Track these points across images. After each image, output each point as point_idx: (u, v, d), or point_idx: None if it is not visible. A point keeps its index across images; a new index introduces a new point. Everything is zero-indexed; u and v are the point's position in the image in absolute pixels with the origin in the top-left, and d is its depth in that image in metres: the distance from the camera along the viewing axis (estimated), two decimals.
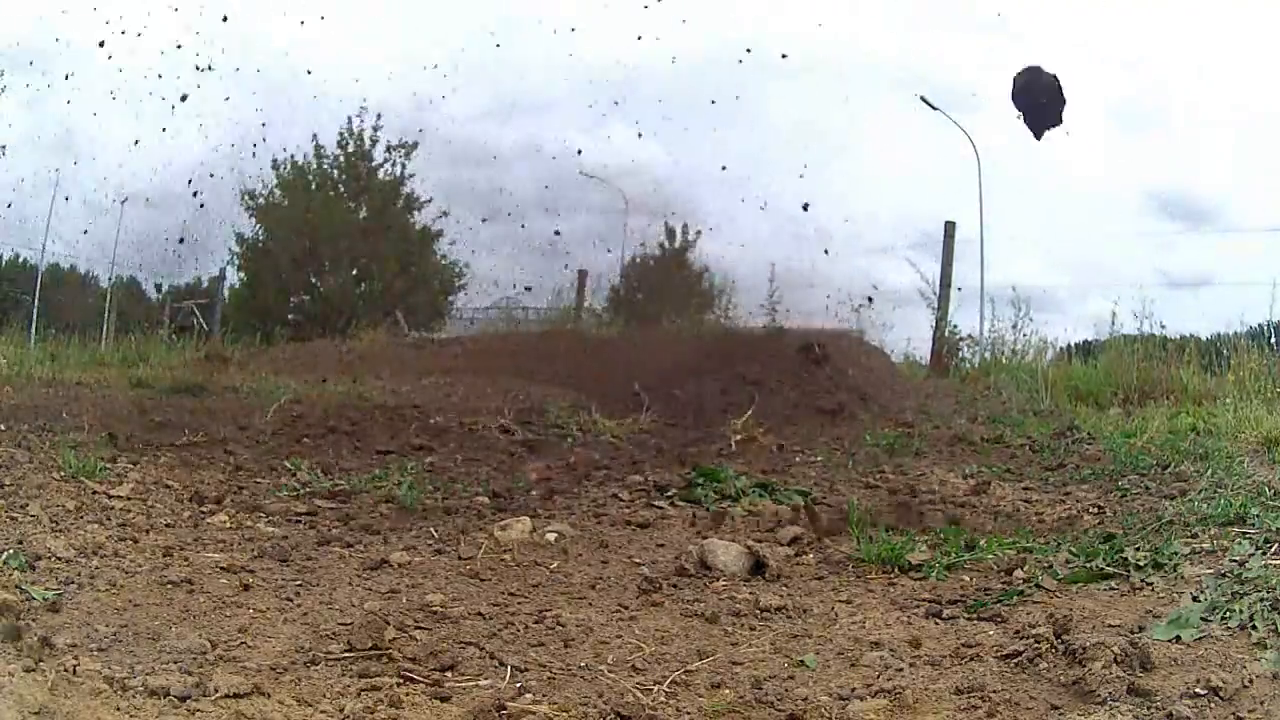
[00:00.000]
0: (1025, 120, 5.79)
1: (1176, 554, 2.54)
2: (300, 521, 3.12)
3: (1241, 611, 2.02)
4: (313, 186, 19.98)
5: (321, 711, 1.73)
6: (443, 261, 21.35)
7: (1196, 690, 1.69)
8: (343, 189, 20.35)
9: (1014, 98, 6.05)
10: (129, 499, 3.04)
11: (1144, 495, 3.59)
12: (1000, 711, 1.75)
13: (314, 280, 20.23)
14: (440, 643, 2.11)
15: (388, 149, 20.70)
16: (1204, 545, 2.61)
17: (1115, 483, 3.95)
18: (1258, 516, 2.72)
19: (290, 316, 20.05)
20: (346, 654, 1.99)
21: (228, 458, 3.92)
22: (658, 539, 3.12)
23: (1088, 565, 2.59)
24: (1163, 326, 10.16)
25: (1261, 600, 2.04)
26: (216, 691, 1.70)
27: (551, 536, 3.03)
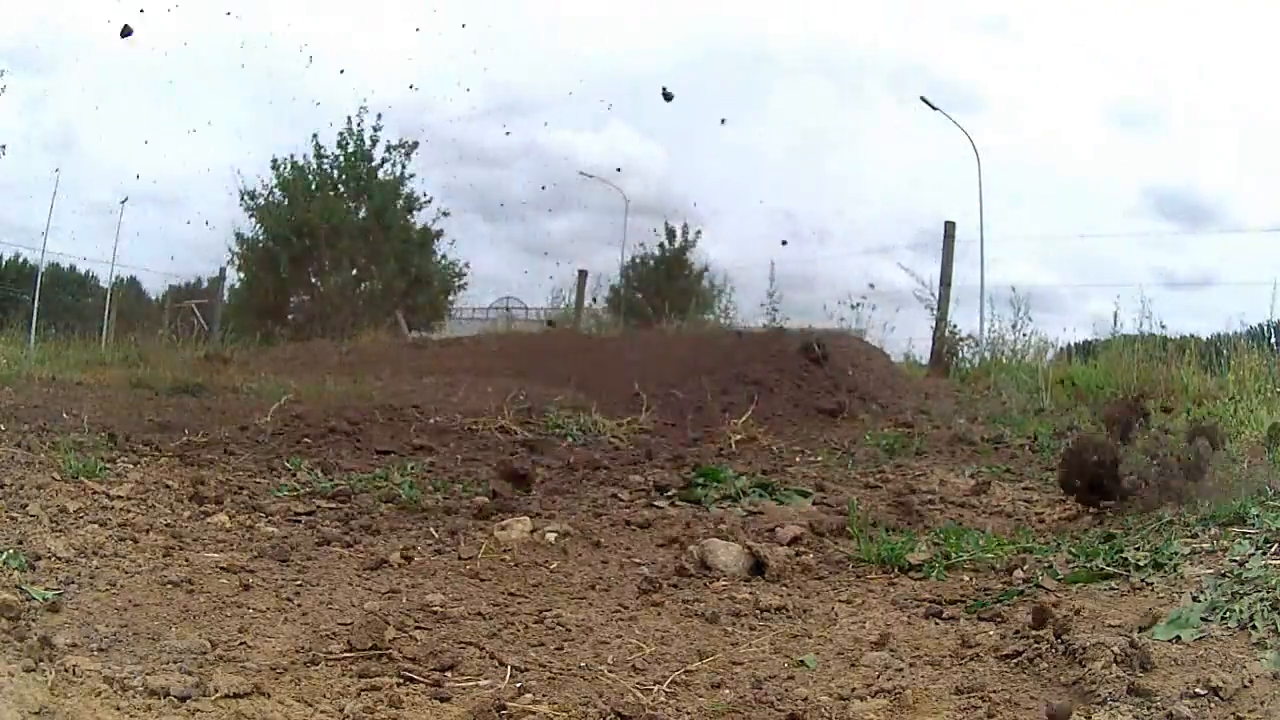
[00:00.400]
0: None
1: (1176, 554, 2.54)
2: (300, 521, 3.12)
3: (1241, 611, 2.02)
4: (313, 187, 19.98)
5: (321, 711, 1.73)
6: (443, 261, 21.37)
7: (1196, 690, 1.69)
8: (343, 189, 20.35)
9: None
10: (129, 499, 3.04)
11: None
12: (1000, 712, 1.75)
13: (314, 280, 20.23)
14: (440, 643, 2.11)
15: (388, 149, 20.71)
16: (1204, 545, 2.60)
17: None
18: (1258, 516, 2.71)
19: (290, 316, 20.06)
20: (346, 654, 1.99)
21: (228, 458, 3.92)
22: (658, 539, 3.12)
23: (1088, 565, 2.59)
24: (1163, 326, 10.17)
25: (1261, 600, 2.04)
26: (216, 691, 1.69)
27: (551, 536, 3.03)
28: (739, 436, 5.20)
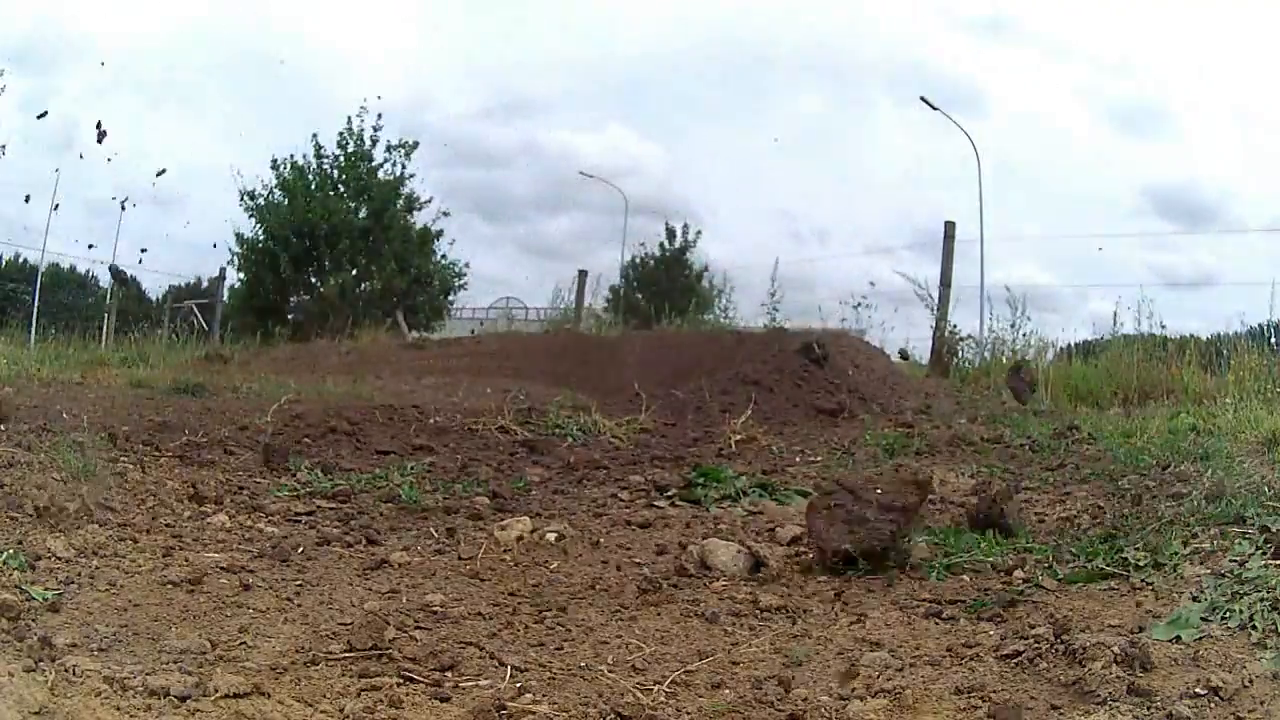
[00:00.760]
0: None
1: (1176, 554, 2.54)
2: (300, 521, 3.12)
3: (1241, 611, 2.02)
4: (312, 187, 19.98)
5: (321, 711, 1.73)
6: (443, 261, 21.37)
7: (1196, 690, 1.69)
8: (342, 189, 20.35)
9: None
10: (129, 499, 3.04)
11: (1144, 495, 3.58)
12: (1000, 711, 1.75)
13: (314, 280, 20.23)
14: (440, 643, 2.11)
15: (388, 149, 20.72)
16: (1204, 545, 2.60)
17: (1115, 483, 3.94)
18: (1258, 516, 2.71)
19: (290, 316, 20.06)
20: (346, 654, 1.99)
21: (228, 458, 3.92)
22: (658, 539, 3.12)
23: (1088, 565, 2.59)
24: (1163, 326, 10.18)
25: (1261, 600, 2.04)
26: (216, 691, 1.69)
27: (551, 536, 3.03)
28: (739, 436, 5.19)
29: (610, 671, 2.03)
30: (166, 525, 2.84)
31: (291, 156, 20.28)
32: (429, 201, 21.24)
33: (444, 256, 21.49)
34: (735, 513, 3.49)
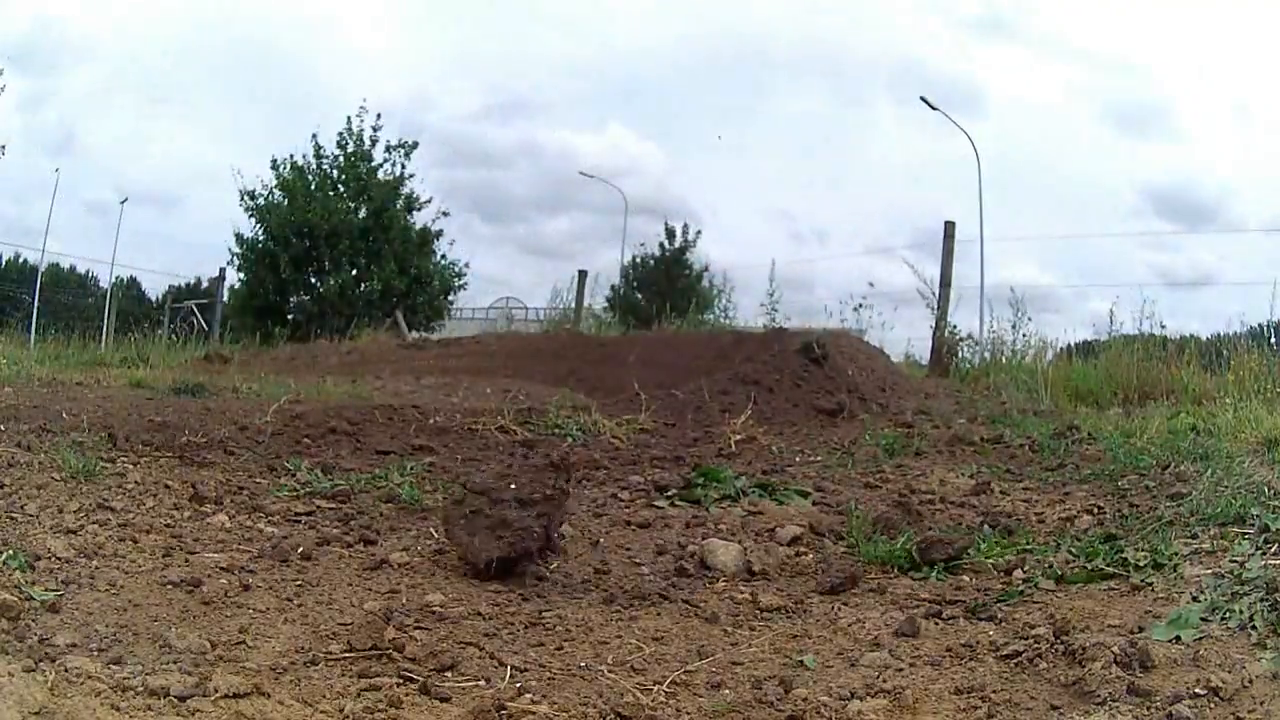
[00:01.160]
0: None
1: (1176, 554, 2.54)
2: (300, 521, 3.12)
3: (1241, 611, 2.02)
4: (312, 187, 19.98)
5: (321, 711, 1.73)
6: (443, 261, 21.38)
7: (1196, 690, 1.69)
8: (342, 189, 20.35)
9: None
10: (129, 499, 3.03)
11: (1144, 495, 3.58)
12: (1000, 712, 1.76)
13: (314, 280, 20.24)
14: (440, 643, 2.11)
15: (388, 149, 20.73)
16: (1204, 545, 2.61)
17: (1115, 483, 3.95)
18: (1258, 516, 2.71)
19: (290, 316, 20.06)
20: (346, 654, 1.99)
21: (228, 458, 3.92)
22: (657, 539, 3.12)
23: (1088, 565, 2.59)
24: (1163, 326, 10.19)
25: (1261, 600, 2.04)
26: (216, 691, 1.69)
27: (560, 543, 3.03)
28: (739, 436, 5.19)
29: (610, 671, 2.03)
30: (166, 525, 2.84)
31: (291, 156, 20.30)
32: (429, 201, 21.25)
33: (444, 256, 21.51)
34: (735, 513, 3.49)
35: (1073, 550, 2.77)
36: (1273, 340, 8.84)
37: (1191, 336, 10.09)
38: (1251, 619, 1.98)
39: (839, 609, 2.46)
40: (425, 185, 21.89)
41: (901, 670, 2.00)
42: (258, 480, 3.61)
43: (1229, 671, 1.75)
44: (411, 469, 3.97)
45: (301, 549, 2.75)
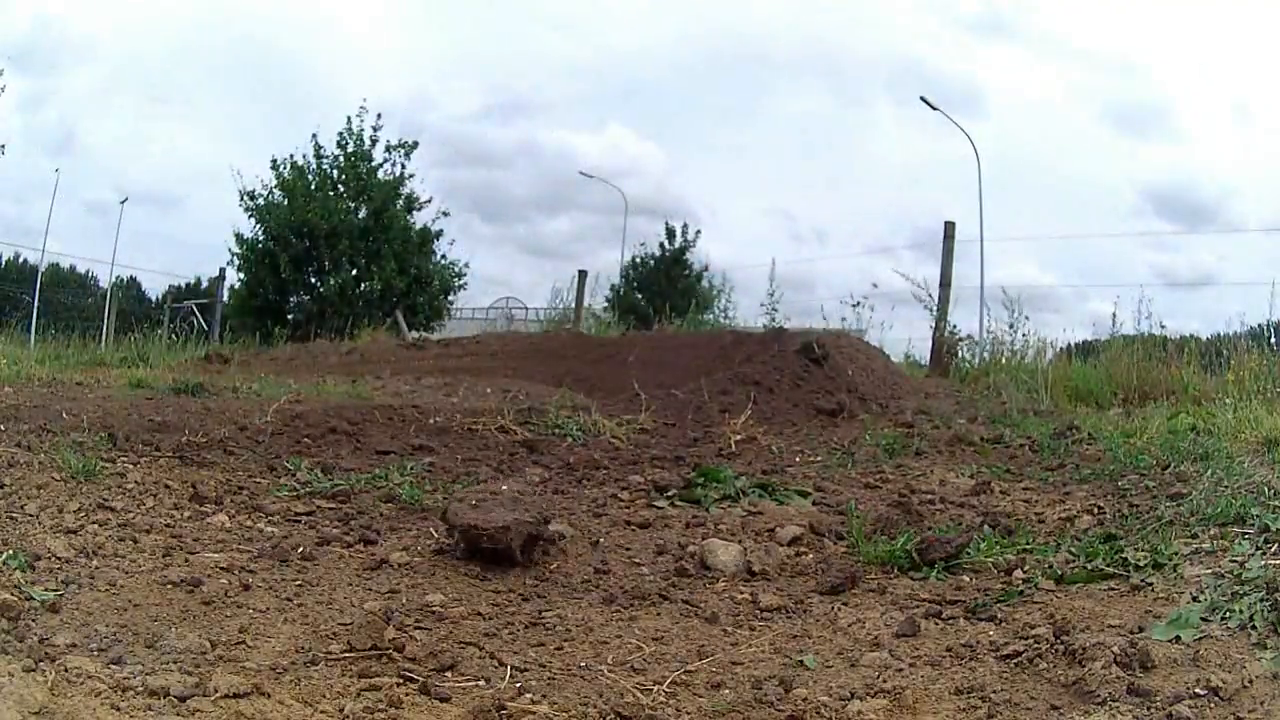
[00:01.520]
0: None
1: (1176, 554, 2.54)
2: (300, 521, 3.12)
3: (1241, 611, 2.02)
4: (312, 187, 19.98)
5: (321, 711, 1.73)
6: (443, 261, 21.38)
7: (1196, 690, 1.69)
8: (342, 189, 20.35)
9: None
10: (129, 499, 3.04)
11: (1144, 495, 3.59)
12: (1000, 712, 1.75)
13: (314, 280, 20.24)
14: (440, 643, 2.11)
15: (387, 149, 20.72)
16: (1204, 545, 2.61)
17: (1115, 483, 3.95)
18: (1258, 516, 2.72)
19: (290, 316, 20.06)
20: (346, 654, 1.99)
21: (228, 458, 3.92)
22: (657, 539, 3.12)
23: (1088, 565, 2.59)
24: (1162, 326, 10.20)
25: (1261, 600, 2.04)
26: (216, 691, 1.69)
27: (556, 541, 3.03)
28: (739, 436, 5.19)
29: (610, 671, 2.03)
30: (166, 525, 2.84)
31: (291, 156, 20.29)
32: (429, 201, 21.26)
33: (444, 256, 21.51)
34: (735, 513, 3.49)
35: (1073, 550, 2.77)
36: (1273, 340, 8.84)
37: (1191, 336, 10.11)
38: (1251, 619, 1.98)
39: (839, 609, 2.46)
40: (425, 185, 21.89)
41: (901, 670, 2.00)
42: (258, 480, 3.61)
43: (1229, 671, 1.75)
44: (411, 469, 3.97)
45: (301, 549, 2.75)
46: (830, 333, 9.88)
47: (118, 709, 1.61)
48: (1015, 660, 1.97)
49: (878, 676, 1.96)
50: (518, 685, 1.92)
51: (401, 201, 20.68)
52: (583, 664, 2.06)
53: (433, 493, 3.58)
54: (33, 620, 1.94)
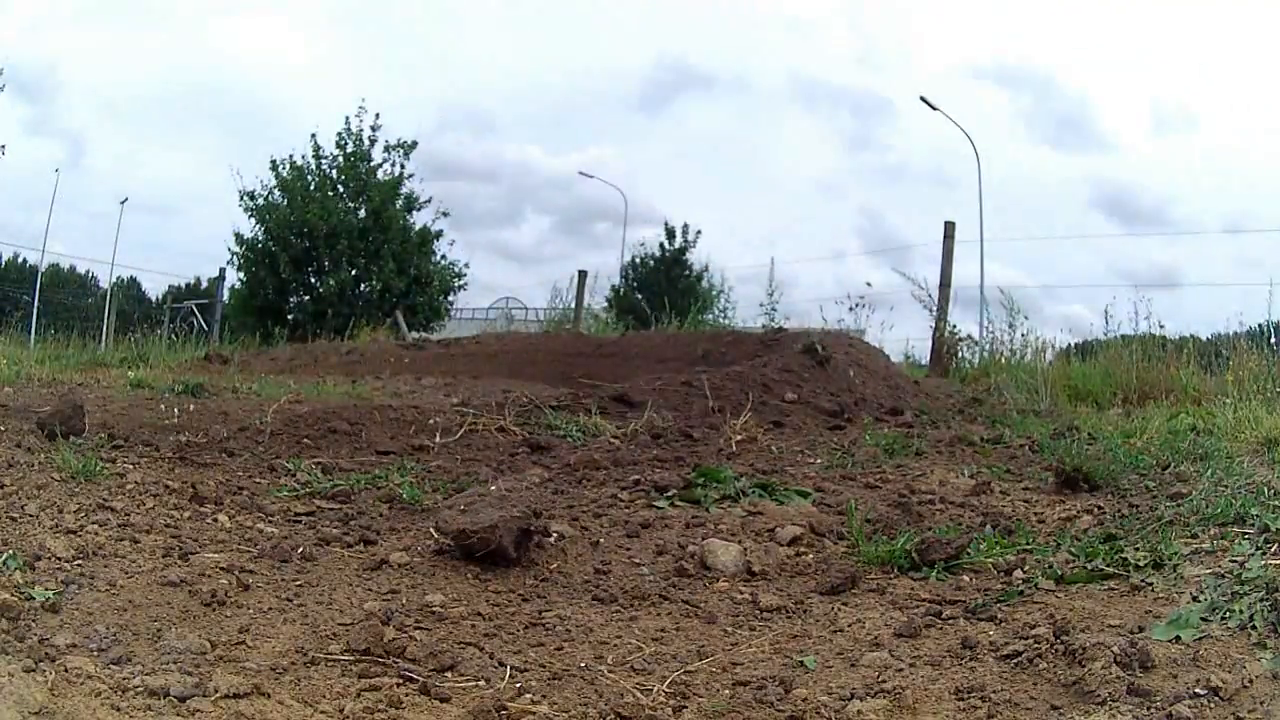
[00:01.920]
0: None
1: (1176, 554, 2.54)
2: (300, 521, 3.12)
3: (1241, 611, 2.02)
4: (312, 187, 19.99)
5: (321, 711, 1.73)
6: (442, 262, 21.38)
7: (1196, 690, 1.69)
8: (341, 189, 20.35)
9: None
10: (129, 499, 3.03)
11: (1144, 495, 3.59)
12: (1000, 712, 1.75)
13: (314, 280, 20.24)
14: (440, 643, 2.11)
15: (386, 148, 20.73)
16: (1204, 545, 2.60)
17: (1115, 482, 3.94)
18: (1258, 516, 2.71)
19: (290, 316, 20.07)
20: (346, 654, 1.99)
21: (228, 458, 3.92)
22: (657, 539, 3.12)
23: (1088, 565, 2.59)
24: (1161, 326, 10.20)
25: (1261, 600, 2.04)
26: (216, 691, 1.70)
27: (552, 537, 3.03)
28: (739, 436, 5.19)
29: (610, 672, 2.03)
30: (166, 525, 2.84)
31: (290, 157, 20.30)
32: (428, 201, 21.26)
33: (444, 257, 21.52)
34: (735, 513, 3.49)
35: (1073, 550, 2.77)
36: (1273, 340, 8.84)
37: (1191, 336, 10.11)
38: (1251, 619, 1.98)
39: (839, 609, 2.46)
40: (424, 186, 21.90)
41: (901, 670, 2.00)
42: (258, 480, 3.61)
43: (1229, 671, 1.75)
44: (411, 469, 3.97)
45: (301, 549, 2.75)
46: (830, 333, 9.89)
47: (118, 709, 1.61)
48: (1015, 660, 1.97)
49: (878, 677, 1.96)
50: (518, 685, 1.92)
51: (401, 201, 20.69)
52: (583, 664, 2.06)
53: (433, 493, 3.58)
54: (33, 620, 1.94)
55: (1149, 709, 1.67)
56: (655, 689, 1.94)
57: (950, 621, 2.31)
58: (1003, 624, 2.24)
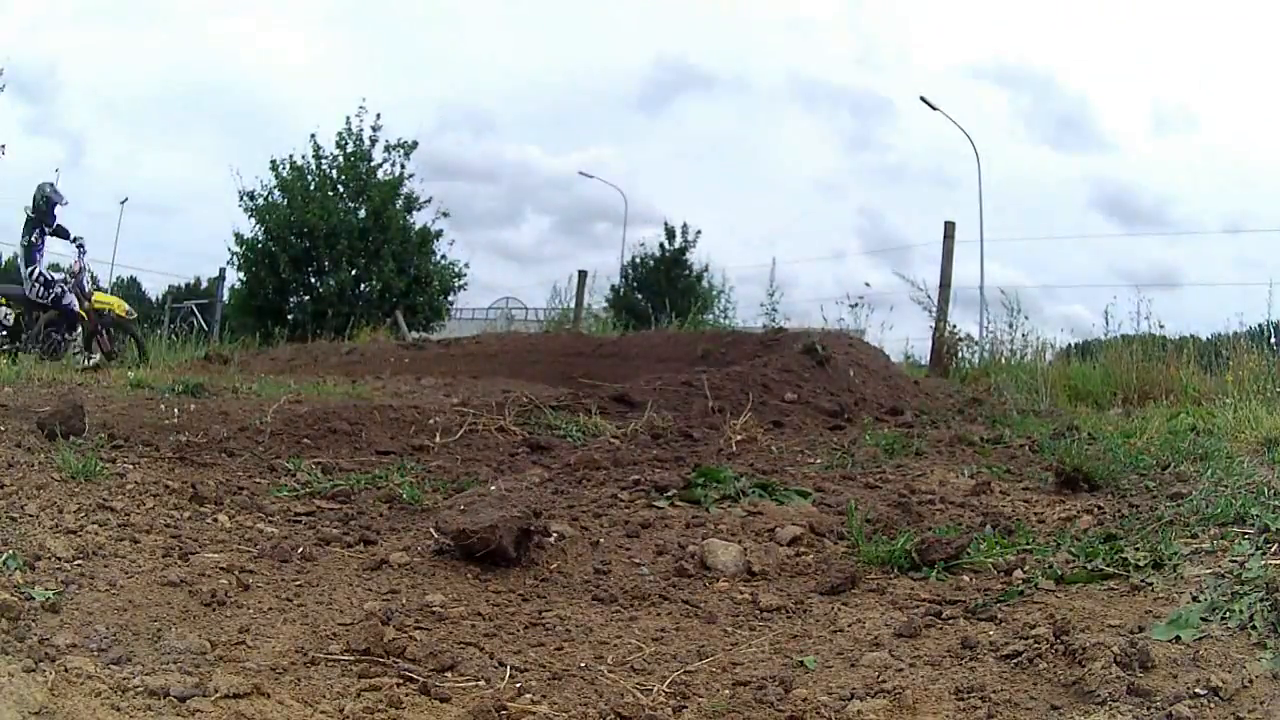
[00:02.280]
0: None
1: (1176, 554, 2.54)
2: (300, 521, 3.12)
3: (1241, 611, 2.02)
4: (312, 187, 19.99)
5: (321, 712, 1.73)
6: (442, 262, 21.38)
7: (1196, 690, 1.69)
8: (342, 189, 20.35)
9: None
10: (129, 499, 3.03)
11: (1144, 495, 3.59)
12: (1000, 712, 1.75)
13: (314, 280, 20.24)
14: (440, 643, 2.11)
15: (387, 148, 20.72)
16: (1204, 545, 2.60)
17: (1115, 482, 3.94)
18: (1258, 516, 2.71)
19: (290, 316, 20.06)
20: (346, 654, 1.99)
21: (228, 458, 3.92)
22: (657, 539, 3.12)
23: (1088, 565, 2.59)
24: (1161, 326, 10.21)
25: (1261, 600, 2.04)
26: (216, 691, 1.70)
27: (551, 537, 3.03)
28: (739, 436, 5.19)
29: (610, 672, 2.03)
30: (166, 525, 2.84)
31: (290, 157, 20.30)
32: (428, 201, 21.26)
33: (444, 257, 21.51)
34: (735, 513, 3.49)
35: (1073, 550, 2.77)
36: (1273, 340, 8.84)
37: (1191, 336, 10.11)
38: (1251, 619, 1.98)
39: (839, 609, 2.46)
40: (424, 186, 21.89)
41: (901, 670, 2.00)
42: (258, 480, 3.61)
43: (1229, 671, 1.75)
44: (411, 469, 3.97)
45: (301, 549, 2.75)
46: (830, 333, 9.89)
47: (118, 709, 1.61)
48: (1015, 660, 1.97)
49: (878, 677, 1.96)
50: (518, 685, 1.92)
51: (401, 201, 20.68)
52: (583, 664, 2.06)
53: (433, 493, 3.58)
54: (33, 620, 1.94)
55: (1149, 709, 1.67)
56: (655, 689, 1.94)
57: (950, 621, 2.31)
58: (1003, 624, 2.24)
